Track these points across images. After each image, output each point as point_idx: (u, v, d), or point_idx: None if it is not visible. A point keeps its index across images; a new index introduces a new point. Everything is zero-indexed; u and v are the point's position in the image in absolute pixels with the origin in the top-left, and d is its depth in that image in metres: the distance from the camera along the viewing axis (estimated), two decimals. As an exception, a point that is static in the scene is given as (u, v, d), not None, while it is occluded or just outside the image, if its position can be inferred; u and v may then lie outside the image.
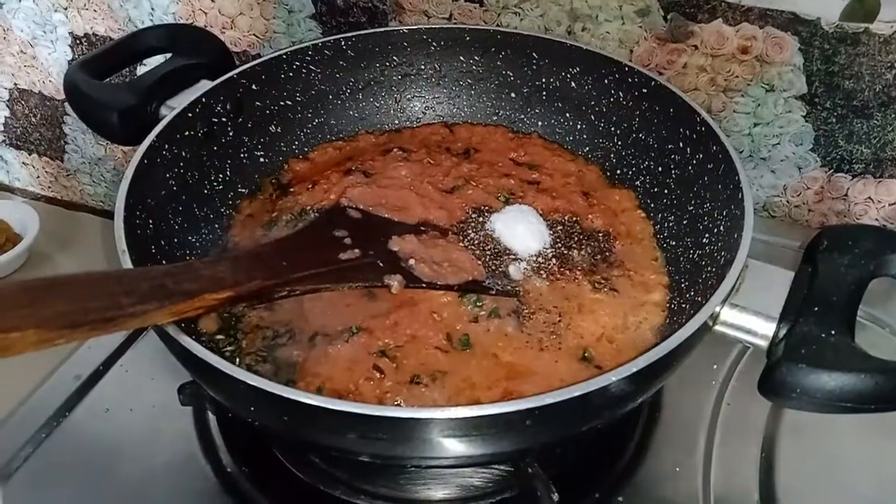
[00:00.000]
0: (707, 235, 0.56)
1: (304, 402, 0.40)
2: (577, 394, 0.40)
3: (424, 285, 0.54)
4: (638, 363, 0.41)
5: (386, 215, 0.60)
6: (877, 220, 0.73)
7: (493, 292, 0.55)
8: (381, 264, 0.54)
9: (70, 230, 1.05)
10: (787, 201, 0.75)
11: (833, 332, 0.43)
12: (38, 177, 1.13)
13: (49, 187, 1.14)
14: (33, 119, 1.07)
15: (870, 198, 0.72)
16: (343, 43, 0.70)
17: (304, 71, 0.69)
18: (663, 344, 0.42)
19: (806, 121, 0.70)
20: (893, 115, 0.67)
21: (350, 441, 0.42)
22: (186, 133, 0.61)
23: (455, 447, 0.42)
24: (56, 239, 1.02)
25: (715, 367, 0.62)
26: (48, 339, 0.35)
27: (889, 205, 0.72)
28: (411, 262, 0.55)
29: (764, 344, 0.45)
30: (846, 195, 0.73)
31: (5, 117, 1.09)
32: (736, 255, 0.47)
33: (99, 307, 0.37)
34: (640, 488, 0.55)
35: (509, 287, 0.56)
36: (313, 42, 0.69)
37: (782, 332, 0.44)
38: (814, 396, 0.41)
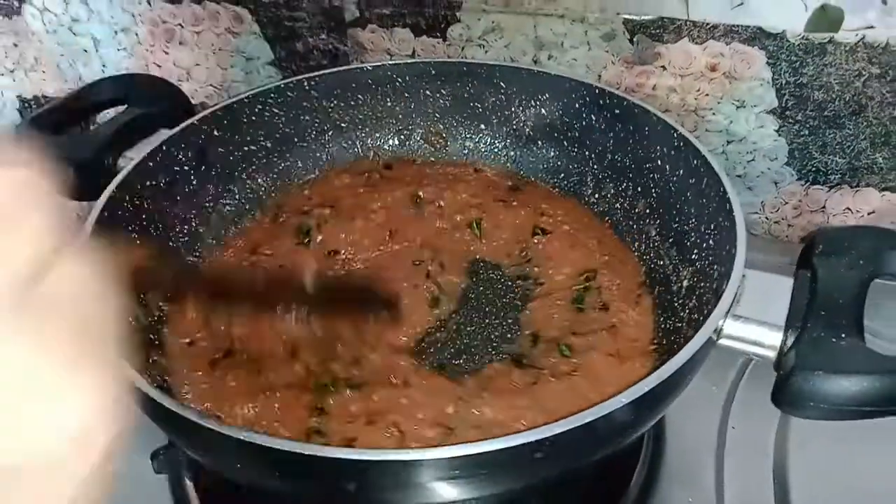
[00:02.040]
0: (696, 251, 0.54)
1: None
2: (587, 420, 0.37)
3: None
4: (649, 382, 0.39)
5: None
6: (857, 229, 0.72)
7: None
8: None
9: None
10: (767, 218, 0.75)
11: (843, 336, 0.41)
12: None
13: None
14: (-17, 189, 1.03)
15: (848, 208, 0.72)
16: (306, 84, 0.68)
17: (267, 114, 0.67)
18: (671, 361, 0.40)
19: (779, 135, 0.69)
20: (865, 124, 0.67)
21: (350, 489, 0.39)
22: (147, 184, 0.58)
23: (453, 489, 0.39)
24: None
25: (714, 389, 0.60)
26: None
27: (867, 213, 0.71)
28: None
29: (772, 354, 0.43)
30: (824, 207, 0.72)
31: (-47, 189, 1.04)
32: (733, 265, 0.45)
33: None
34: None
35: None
36: (275, 84, 0.67)
37: (790, 341, 0.42)
38: (834, 403, 0.39)
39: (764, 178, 0.72)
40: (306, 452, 0.37)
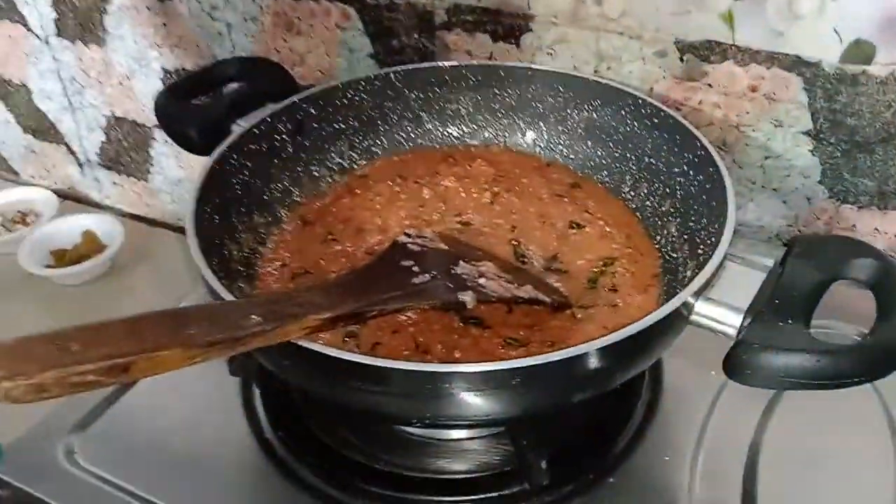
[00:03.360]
0: (702, 247, 0.62)
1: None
2: (556, 359, 0.47)
3: (494, 300, 0.59)
4: (614, 337, 0.48)
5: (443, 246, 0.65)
6: (884, 249, 0.77)
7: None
8: (450, 285, 0.59)
9: (150, 244, 1.15)
10: (799, 231, 0.80)
11: (790, 321, 0.48)
12: (126, 195, 1.26)
13: (135, 205, 1.27)
14: (125, 144, 1.20)
15: (876, 229, 0.77)
16: (392, 76, 0.79)
17: (356, 99, 0.79)
18: (637, 323, 0.49)
19: (813, 155, 0.75)
20: (894, 151, 0.72)
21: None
22: (252, 147, 0.71)
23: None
24: (137, 251, 1.13)
25: (713, 373, 0.68)
26: (190, 357, 0.43)
27: (894, 235, 0.76)
28: (482, 280, 0.60)
29: (733, 332, 0.51)
30: (854, 226, 0.77)
31: (101, 142, 1.23)
32: (712, 256, 0.53)
33: (226, 330, 0.45)
34: (631, 473, 0.61)
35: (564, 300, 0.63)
36: (366, 74, 0.79)
37: (747, 322, 0.50)
38: (765, 373, 0.47)
39: (798, 194, 0.78)
40: (341, 357, 0.48)
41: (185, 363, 0.43)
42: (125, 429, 0.66)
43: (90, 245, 1.09)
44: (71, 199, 1.26)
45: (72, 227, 1.11)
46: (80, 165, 1.27)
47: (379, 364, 0.48)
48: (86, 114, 1.21)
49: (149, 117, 1.16)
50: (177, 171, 1.19)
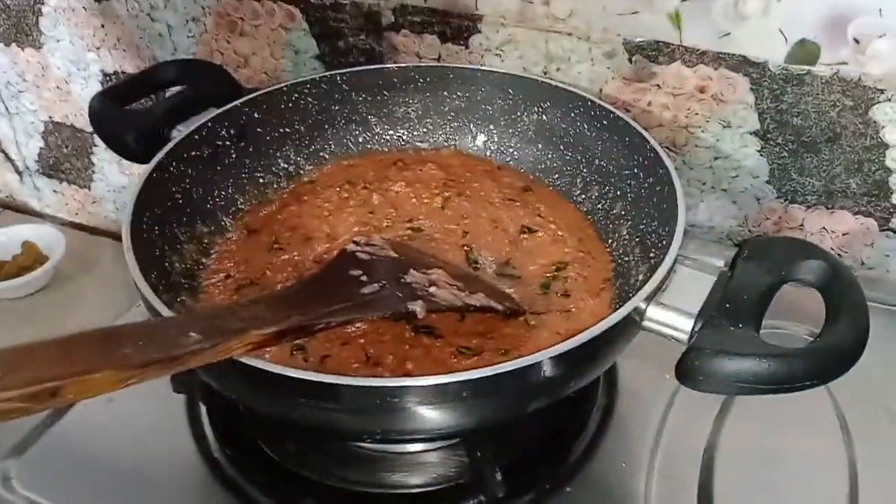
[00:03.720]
0: (653, 250, 0.62)
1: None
2: (507, 369, 0.45)
3: (445, 308, 0.58)
4: (565, 346, 0.47)
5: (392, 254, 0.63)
6: (832, 248, 0.78)
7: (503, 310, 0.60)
8: (400, 295, 0.57)
9: (93, 253, 1.11)
10: (749, 231, 0.81)
11: (740, 325, 0.48)
12: (67, 204, 1.22)
13: (76, 214, 1.22)
14: (65, 150, 1.16)
15: (824, 228, 0.77)
16: (338, 78, 0.78)
17: (302, 102, 0.77)
18: (589, 330, 0.48)
19: (761, 155, 0.76)
20: (839, 150, 0.72)
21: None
22: (193, 153, 0.69)
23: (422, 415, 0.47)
24: (80, 261, 1.08)
25: (668, 377, 0.67)
26: (125, 378, 0.40)
27: (842, 234, 0.77)
28: (432, 288, 0.59)
29: (685, 338, 0.50)
30: (802, 225, 0.78)
31: (40, 148, 1.18)
32: (663, 260, 0.53)
33: (163, 349, 0.43)
34: (588, 481, 0.60)
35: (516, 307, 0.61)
36: (311, 76, 0.77)
37: (698, 327, 0.50)
38: (717, 379, 0.46)
39: (747, 194, 0.78)
40: (285, 374, 0.46)
41: (119, 385, 0.40)
42: (65, 452, 0.63)
43: (30, 256, 1.05)
44: (10, 208, 1.21)
45: (10, 237, 1.06)
46: (19, 173, 1.22)
47: (323, 380, 0.46)
48: (23, 119, 1.16)
49: (88, 122, 1.12)
50: (120, 178, 1.15)
